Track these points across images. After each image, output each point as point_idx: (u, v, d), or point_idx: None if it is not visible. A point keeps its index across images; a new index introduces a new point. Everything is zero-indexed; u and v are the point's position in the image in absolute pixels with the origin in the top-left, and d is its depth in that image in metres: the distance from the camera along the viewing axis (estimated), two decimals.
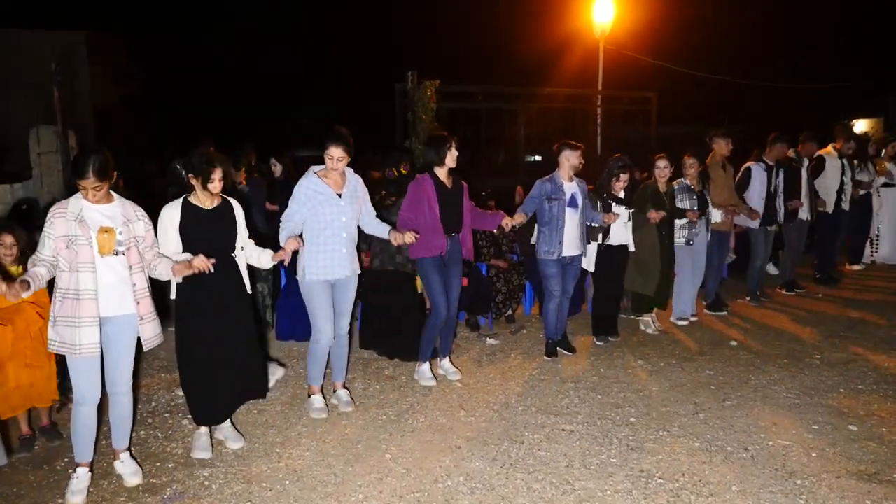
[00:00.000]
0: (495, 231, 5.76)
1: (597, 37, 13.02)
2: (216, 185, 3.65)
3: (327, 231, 4.17)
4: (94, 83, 25.74)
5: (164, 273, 3.53)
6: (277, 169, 7.01)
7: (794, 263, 7.65)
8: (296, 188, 4.21)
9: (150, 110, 27.00)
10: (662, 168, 5.85)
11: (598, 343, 5.77)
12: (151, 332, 3.50)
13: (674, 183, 6.04)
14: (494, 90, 10.77)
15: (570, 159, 5.24)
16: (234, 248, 3.82)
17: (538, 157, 13.39)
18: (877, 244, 8.94)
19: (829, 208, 7.80)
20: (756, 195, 6.78)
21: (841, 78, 21.27)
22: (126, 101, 28.76)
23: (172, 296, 3.72)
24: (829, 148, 7.92)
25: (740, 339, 5.87)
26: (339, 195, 4.21)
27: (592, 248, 5.56)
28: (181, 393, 4.26)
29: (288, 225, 4.13)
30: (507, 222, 4.96)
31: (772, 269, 8.10)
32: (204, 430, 3.88)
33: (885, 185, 8.67)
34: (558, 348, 5.52)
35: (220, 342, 3.72)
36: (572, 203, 5.23)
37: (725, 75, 18.11)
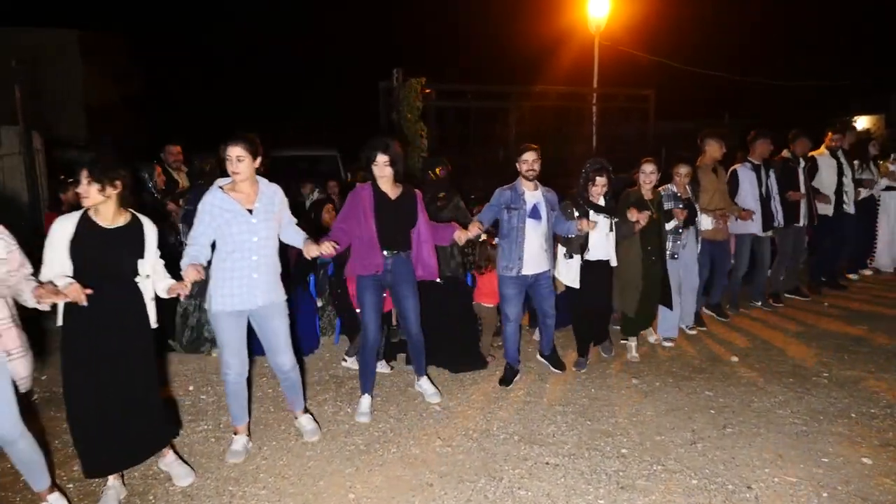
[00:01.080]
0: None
1: (592, 32, 12.62)
2: (89, 196, 3.10)
3: (235, 254, 3.60)
4: (89, 83, 25.38)
5: (28, 299, 2.98)
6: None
7: (794, 272, 7.21)
8: (199, 205, 3.63)
9: (150, 110, 26.70)
10: (648, 174, 5.19)
11: (573, 368, 5.19)
12: (25, 371, 3.05)
13: (660, 189, 5.45)
14: (485, 88, 10.37)
15: (525, 163, 4.70)
16: (135, 274, 3.29)
17: None
18: (873, 252, 8.41)
19: (830, 210, 7.30)
20: (749, 198, 6.33)
21: (841, 75, 20.93)
22: (124, 101, 28.44)
23: (59, 321, 3.19)
24: (822, 148, 7.43)
25: (742, 355, 5.48)
26: (251, 211, 3.62)
27: (576, 262, 4.99)
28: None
29: (191, 250, 3.55)
30: (461, 235, 4.40)
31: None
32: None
33: (888, 188, 8.15)
34: (551, 366, 5.16)
35: (110, 379, 3.20)
36: (534, 214, 4.69)
37: (725, 72, 17.73)
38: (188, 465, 3.65)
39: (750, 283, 6.91)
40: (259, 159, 3.63)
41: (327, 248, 3.76)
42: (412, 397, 4.71)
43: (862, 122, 26.67)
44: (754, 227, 6.37)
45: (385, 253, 4.18)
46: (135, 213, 3.33)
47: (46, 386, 5.00)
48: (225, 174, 3.68)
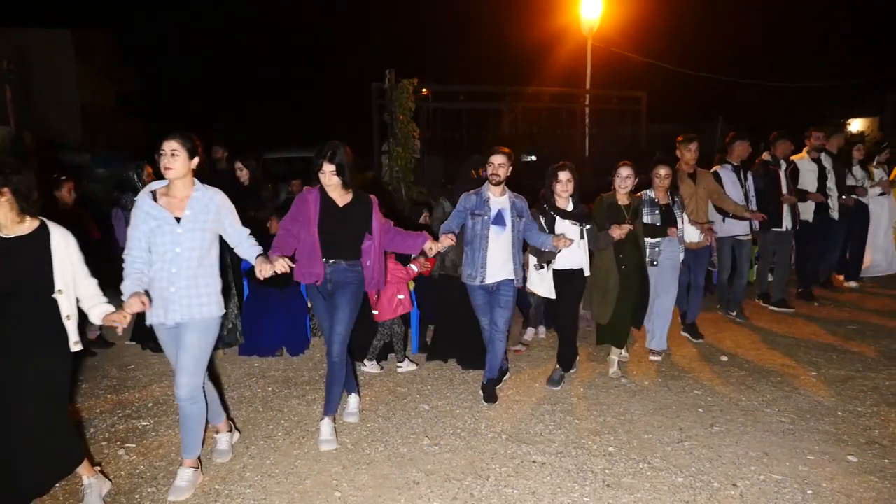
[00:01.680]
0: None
1: (584, 34, 12.65)
2: None
3: (157, 265, 3.29)
4: (83, 83, 25.37)
5: None
6: (243, 174, 6.42)
7: (782, 282, 7.03)
8: (132, 210, 3.36)
9: (145, 110, 26.74)
10: (624, 178, 4.85)
11: (546, 386, 4.88)
12: None
13: (639, 195, 5.15)
14: (478, 89, 10.38)
15: (490, 166, 4.45)
16: (39, 288, 3.00)
17: (534, 158, 13.03)
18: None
19: (811, 215, 7.09)
20: (733, 198, 6.11)
21: (836, 77, 21.00)
22: (118, 100, 28.44)
23: None
24: (803, 152, 7.20)
25: (731, 354, 5.50)
26: (178, 219, 3.30)
27: (548, 272, 4.69)
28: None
29: (132, 270, 3.26)
30: (431, 245, 4.16)
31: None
32: (88, 479, 3.29)
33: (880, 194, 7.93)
34: (483, 400, 4.64)
35: (6, 402, 2.92)
36: (498, 221, 4.47)
37: (718, 74, 17.78)
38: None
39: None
40: (197, 160, 3.37)
41: (282, 267, 3.48)
42: (401, 397, 4.71)
43: (856, 125, 26.80)
44: (736, 228, 6.20)
45: (325, 262, 3.90)
46: (45, 221, 3.07)
47: None
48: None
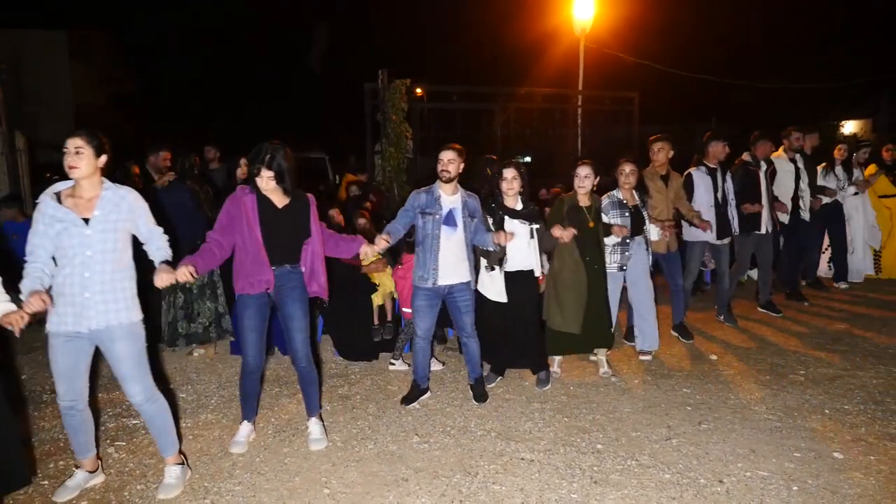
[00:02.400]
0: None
1: (577, 35, 12.70)
2: None
3: (66, 270, 3.10)
4: (77, 83, 25.34)
5: None
6: (241, 171, 6.43)
7: (766, 285, 6.84)
8: (34, 213, 3.16)
9: (140, 111, 26.67)
10: (583, 178, 4.72)
11: (536, 387, 4.79)
12: None
13: (603, 197, 5.07)
14: (471, 90, 10.41)
15: (440, 162, 4.28)
16: None
17: (528, 158, 13.08)
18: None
19: (787, 217, 7.00)
20: (704, 204, 5.90)
21: (830, 79, 21.10)
22: (113, 101, 28.39)
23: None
24: (780, 150, 7.06)
25: (720, 354, 5.53)
26: (87, 220, 3.12)
27: (499, 274, 4.58)
28: None
29: (31, 269, 3.06)
30: (366, 249, 4.00)
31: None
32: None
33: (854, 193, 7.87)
34: (474, 399, 4.59)
35: None
36: (449, 220, 4.31)
37: (712, 75, 17.85)
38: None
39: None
40: (104, 158, 3.18)
41: (184, 276, 3.28)
42: (391, 395, 4.73)
43: (850, 127, 26.95)
44: (708, 234, 5.94)
45: (273, 267, 3.69)
46: None
47: (26, 384, 5.00)
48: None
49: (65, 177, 3.22)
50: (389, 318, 5.65)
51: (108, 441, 4.01)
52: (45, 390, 4.86)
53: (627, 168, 5.07)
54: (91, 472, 3.45)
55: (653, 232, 5.41)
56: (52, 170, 6.69)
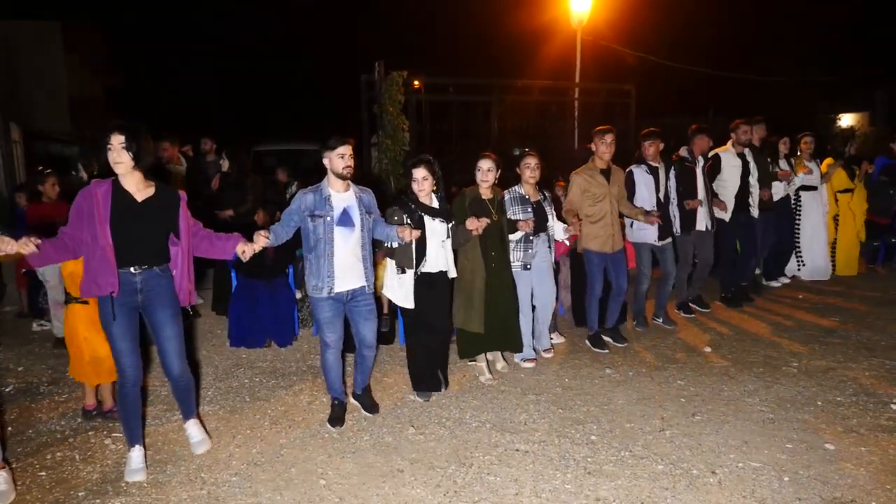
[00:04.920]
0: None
1: (574, 27, 12.68)
2: None
3: None
4: (72, 75, 25.23)
5: None
6: (224, 165, 6.48)
7: (701, 280, 6.55)
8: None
9: (134, 102, 26.65)
10: (485, 171, 4.59)
11: (416, 398, 4.52)
12: None
13: (504, 192, 4.88)
14: (467, 82, 10.41)
15: (331, 160, 3.91)
16: None
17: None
18: (801, 258, 7.86)
19: (727, 215, 6.58)
20: (645, 203, 5.68)
21: (826, 72, 21.10)
22: (107, 92, 28.31)
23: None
24: (728, 144, 6.71)
25: (715, 346, 5.57)
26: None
27: (408, 277, 4.32)
28: None
29: None
30: (244, 248, 3.61)
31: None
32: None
33: (804, 187, 7.61)
34: (363, 409, 4.32)
35: None
36: (344, 221, 3.93)
37: (708, 68, 17.84)
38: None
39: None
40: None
41: (24, 247, 2.93)
42: (387, 387, 4.75)
43: (847, 120, 26.97)
44: (650, 235, 5.73)
45: (133, 269, 3.34)
46: None
47: (22, 376, 5.01)
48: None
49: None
50: (386, 310, 5.67)
51: (104, 433, 4.02)
52: (42, 382, 4.87)
53: (533, 162, 4.89)
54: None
55: (558, 230, 5.18)
56: (44, 163, 6.63)
